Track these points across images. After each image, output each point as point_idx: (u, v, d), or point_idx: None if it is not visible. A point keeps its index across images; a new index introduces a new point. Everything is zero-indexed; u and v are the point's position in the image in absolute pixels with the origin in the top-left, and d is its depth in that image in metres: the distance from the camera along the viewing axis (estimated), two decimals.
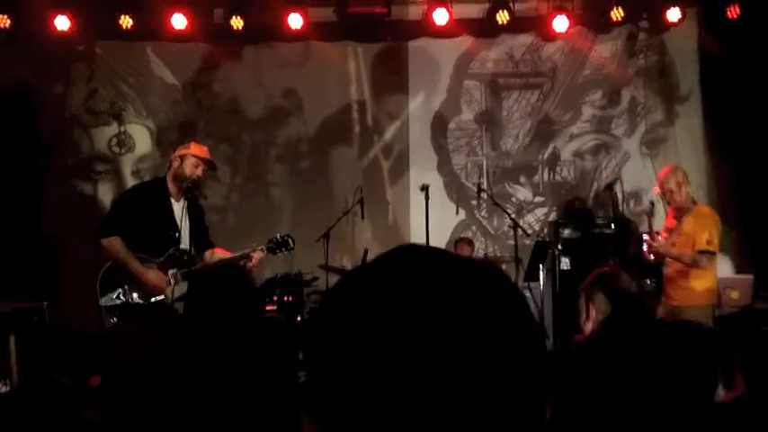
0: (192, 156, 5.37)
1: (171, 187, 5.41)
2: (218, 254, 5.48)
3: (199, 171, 5.42)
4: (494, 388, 0.80)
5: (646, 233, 6.35)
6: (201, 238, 5.48)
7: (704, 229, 5.94)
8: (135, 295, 5.22)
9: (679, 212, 6.13)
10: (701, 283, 5.97)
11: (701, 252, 5.92)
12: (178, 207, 5.37)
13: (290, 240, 5.50)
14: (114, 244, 5.21)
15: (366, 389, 0.79)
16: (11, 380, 5.75)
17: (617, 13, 8.52)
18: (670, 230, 6.15)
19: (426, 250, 0.89)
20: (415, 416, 0.78)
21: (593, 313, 2.99)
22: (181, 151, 5.46)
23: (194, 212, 5.45)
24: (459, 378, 0.78)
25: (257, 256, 5.34)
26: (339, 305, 0.86)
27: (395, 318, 0.80)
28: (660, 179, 6.20)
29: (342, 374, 0.81)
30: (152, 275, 5.21)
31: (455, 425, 0.78)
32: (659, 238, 6.06)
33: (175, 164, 5.39)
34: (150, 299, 5.21)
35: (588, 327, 3.01)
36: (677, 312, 5.94)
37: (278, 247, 5.48)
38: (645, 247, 6.23)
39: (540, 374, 0.84)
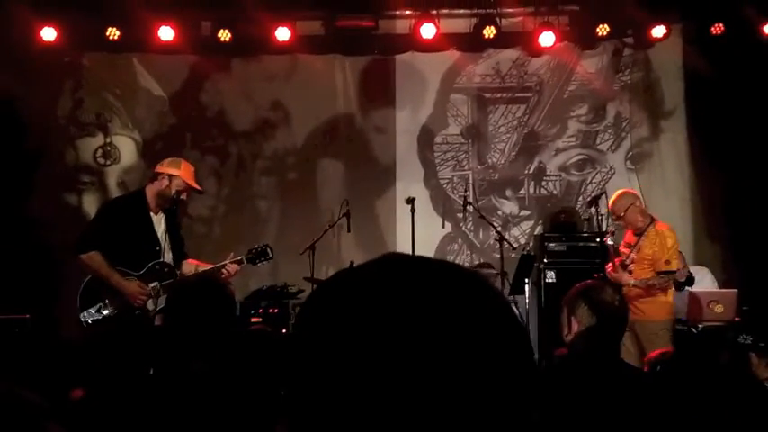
0: (182, 180, 5.36)
1: (150, 201, 5.36)
2: (193, 264, 5.45)
3: (184, 195, 5.44)
4: (479, 397, 0.78)
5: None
6: (177, 249, 5.46)
7: (662, 250, 6.21)
8: (115, 309, 5.16)
9: (637, 230, 6.36)
10: (656, 298, 6.18)
11: (661, 273, 6.16)
12: (157, 220, 5.36)
13: (268, 250, 5.51)
14: (94, 258, 5.15)
15: (346, 398, 0.78)
16: None
17: (602, 30, 8.59)
18: (629, 245, 6.35)
19: (410, 258, 0.88)
20: (397, 425, 0.77)
21: (574, 326, 2.99)
22: (171, 170, 5.40)
23: (172, 225, 5.43)
24: (441, 385, 0.77)
25: (233, 268, 5.33)
26: (320, 311, 0.85)
27: (376, 325, 0.79)
28: (609, 206, 6.49)
29: (320, 384, 0.80)
30: (134, 286, 5.15)
31: None
32: (613, 266, 6.27)
33: (164, 182, 5.34)
34: (132, 312, 5.15)
35: (569, 340, 3.01)
36: (634, 327, 6.06)
37: (257, 257, 5.49)
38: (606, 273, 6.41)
39: (526, 382, 0.82)
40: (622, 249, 6.44)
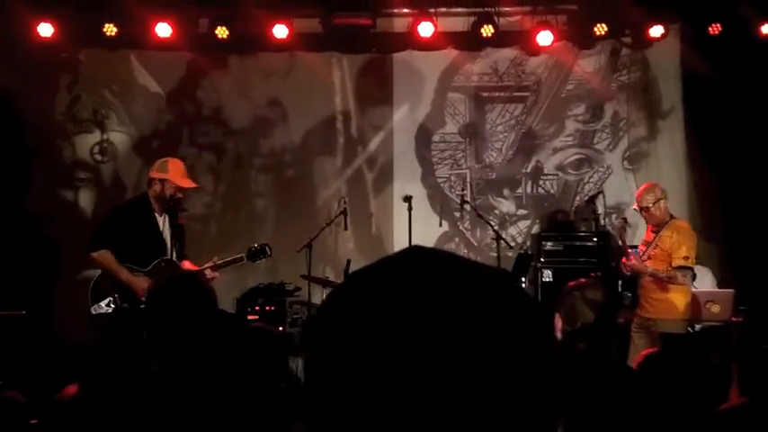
0: (172, 182, 5.68)
1: (154, 204, 5.74)
2: (186, 265, 5.79)
3: (180, 194, 5.78)
4: (500, 396, 0.78)
5: (620, 248, 6.47)
6: (179, 250, 5.82)
7: (681, 244, 6.07)
8: (124, 303, 5.54)
9: (657, 226, 6.26)
10: (675, 296, 6.07)
11: (678, 267, 6.01)
12: (162, 221, 5.75)
13: (267, 249, 5.88)
14: (105, 256, 5.56)
15: (370, 392, 0.77)
16: None
17: (600, 29, 8.58)
18: (647, 243, 6.26)
19: (435, 252, 0.87)
20: (421, 422, 0.76)
21: (558, 323, 3.00)
22: (160, 174, 5.73)
23: (175, 228, 5.77)
24: (463, 382, 0.77)
25: (210, 274, 5.61)
26: (344, 306, 0.84)
27: (401, 320, 0.78)
28: (637, 197, 6.36)
29: (344, 380, 0.79)
30: (141, 281, 5.52)
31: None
32: (633, 255, 6.17)
33: (156, 187, 5.70)
34: (139, 305, 5.43)
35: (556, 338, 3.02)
36: (651, 325, 6.01)
37: (257, 255, 5.86)
38: (622, 264, 6.33)
39: (548, 382, 0.82)
40: (641, 248, 6.33)
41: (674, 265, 6.05)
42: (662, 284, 6.07)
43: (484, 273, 0.85)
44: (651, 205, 6.20)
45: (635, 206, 6.38)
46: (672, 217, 6.32)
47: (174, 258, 5.70)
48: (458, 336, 0.78)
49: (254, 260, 5.89)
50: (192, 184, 5.92)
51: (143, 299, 5.38)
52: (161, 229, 5.72)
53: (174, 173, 5.70)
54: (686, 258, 6.05)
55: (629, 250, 6.21)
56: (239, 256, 5.81)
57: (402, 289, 0.81)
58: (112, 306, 5.53)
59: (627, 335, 6.18)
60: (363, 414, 0.77)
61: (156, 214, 5.73)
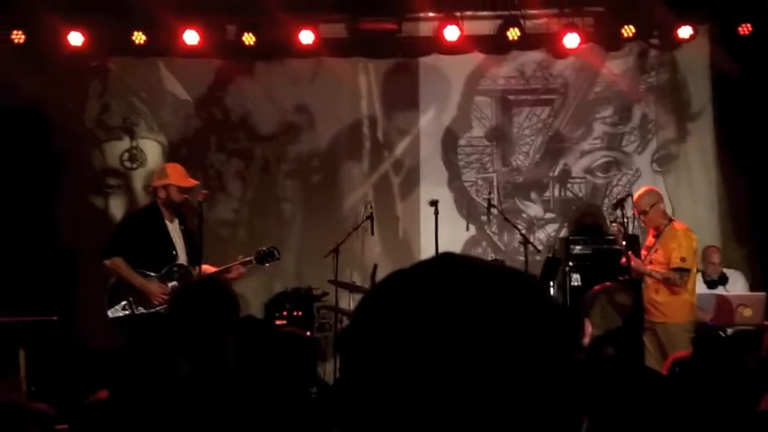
0: (174, 185, 5.86)
1: (163, 210, 5.94)
2: (207, 271, 5.93)
3: (186, 196, 5.97)
4: (531, 397, 0.79)
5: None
6: (193, 254, 5.98)
7: (678, 246, 6.20)
8: (139, 306, 5.76)
9: (657, 231, 6.45)
10: (677, 299, 6.20)
11: (675, 269, 6.09)
12: (173, 227, 5.95)
13: (275, 252, 6.11)
14: (117, 263, 5.77)
15: (403, 393, 0.79)
16: (20, 393, 5.81)
17: (628, 30, 8.51)
18: (649, 248, 6.39)
19: (466, 259, 0.88)
20: (454, 421, 0.78)
21: (588, 329, 2.97)
22: (161, 181, 5.92)
23: (188, 232, 5.99)
24: (492, 386, 0.78)
25: (237, 270, 5.94)
26: (378, 311, 0.85)
27: (433, 326, 0.80)
28: (635, 201, 6.57)
29: (377, 382, 0.81)
30: (154, 287, 5.75)
31: None
32: (632, 256, 6.36)
33: (162, 194, 5.91)
34: (153, 309, 5.72)
35: (585, 343, 2.99)
36: (655, 329, 6.04)
37: (265, 258, 6.08)
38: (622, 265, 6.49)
39: (573, 387, 0.83)
40: (643, 252, 6.46)
41: (671, 266, 6.18)
42: (662, 289, 6.24)
43: (511, 278, 0.86)
44: (649, 209, 6.38)
45: (633, 210, 6.52)
46: (670, 220, 6.50)
47: (186, 263, 5.90)
48: (485, 341, 0.79)
49: (262, 263, 6.07)
50: (194, 182, 6.09)
51: (157, 303, 5.68)
52: (171, 234, 5.91)
53: (174, 176, 5.89)
54: (683, 260, 6.20)
55: (629, 252, 6.38)
56: (248, 258, 6.02)
57: (432, 297, 0.82)
58: (128, 310, 5.74)
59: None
60: (397, 417, 0.79)
61: (167, 221, 5.92)
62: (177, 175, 5.91)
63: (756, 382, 2.91)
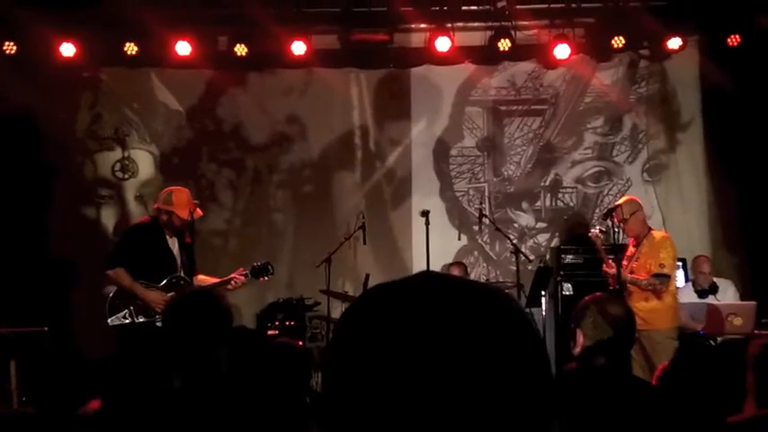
0: (177, 214, 5.94)
1: (164, 227, 6.07)
2: (202, 279, 6.09)
3: (187, 220, 6.00)
4: (504, 409, 0.81)
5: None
6: (190, 266, 6.13)
7: (657, 252, 6.33)
8: (140, 315, 5.88)
9: (637, 240, 6.53)
10: (659, 306, 6.28)
11: (656, 275, 6.24)
12: (172, 242, 6.10)
13: (269, 267, 6.22)
14: (120, 274, 5.89)
15: (379, 406, 0.81)
16: (12, 404, 5.79)
17: (618, 42, 8.57)
18: (629, 258, 6.52)
19: (444, 276, 0.91)
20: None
21: (580, 339, 2.97)
22: (166, 207, 5.99)
23: (184, 246, 6.10)
24: (467, 396, 0.80)
25: (239, 280, 6.04)
26: (358, 324, 0.88)
27: (410, 339, 0.82)
28: (614, 210, 6.61)
29: (354, 391, 0.83)
30: (155, 295, 5.86)
31: None
32: (612, 263, 6.42)
33: (164, 218, 6.00)
34: (154, 317, 5.82)
35: (576, 353, 3.00)
36: (639, 337, 6.07)
37: (259, 272, 6.19)
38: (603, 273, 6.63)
39: (546, 395, 0.85)
40: (624, 262, 6.54)
41: (651, 273, 6.28)
42: (644, 296, 6.32)
43: (487, 295, 0.88)
44: (629, 217, 6.44)
45: (615, 218, 6.60)
46: (650, 229, 6.60)
47: (184, 275, 6.06)
48: (460, 355, 0.82)
49: (257, 277, 6.20)
50: (198, 214, 6.08)
51: (159, 310, 5.76)
52: (172, 248, 6.07)
53: (178, 206, 5.96)
54: (662, 266, 6.29)
55: (609, 260, 6.48)
56: (244, 272, 6.10)
57: (410, 314, 0.85)
58: (129, 318, 5.88)
59: None
60: (377, 428, 0.81)
61: (168, 236, 6.07)
62: (181, 205, 5.97)
63: (738, 391, 2.92)
